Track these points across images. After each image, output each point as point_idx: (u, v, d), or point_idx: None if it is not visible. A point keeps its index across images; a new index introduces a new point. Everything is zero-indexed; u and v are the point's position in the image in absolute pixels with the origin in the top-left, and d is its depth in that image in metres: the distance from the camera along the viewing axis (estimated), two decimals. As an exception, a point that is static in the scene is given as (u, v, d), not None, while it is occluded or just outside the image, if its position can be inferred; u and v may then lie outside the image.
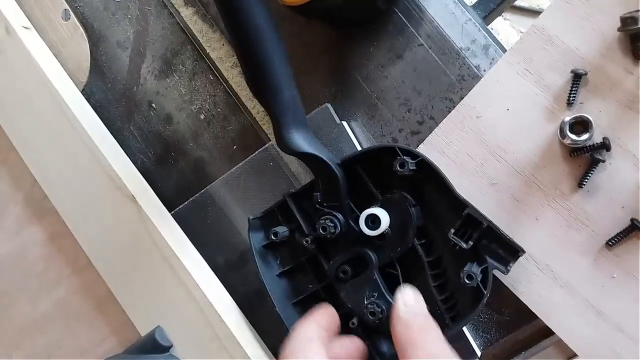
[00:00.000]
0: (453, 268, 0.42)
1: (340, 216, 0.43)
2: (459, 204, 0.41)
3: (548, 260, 0.42)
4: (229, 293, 0.51)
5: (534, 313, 0.43)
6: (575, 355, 0.45)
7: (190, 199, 0.54)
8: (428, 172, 0.42)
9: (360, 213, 0.43)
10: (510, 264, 0.40)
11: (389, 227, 0.43)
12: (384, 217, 0.42)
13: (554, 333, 0.43)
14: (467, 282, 0.39)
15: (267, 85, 0.40)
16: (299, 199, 0.46)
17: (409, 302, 0.39)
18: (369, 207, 0.43)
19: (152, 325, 0.50)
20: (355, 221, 0.44)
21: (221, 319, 0.47)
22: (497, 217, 0.43)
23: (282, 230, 0.46)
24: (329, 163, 0.42)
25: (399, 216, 0.43)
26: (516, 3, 1.33)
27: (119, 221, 0.51)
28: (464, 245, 0.40)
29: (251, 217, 0.47)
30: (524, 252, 0.40)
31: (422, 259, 0.43)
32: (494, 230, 0.40)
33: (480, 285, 0.40)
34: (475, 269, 0.40)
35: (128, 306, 0.52)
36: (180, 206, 0.54)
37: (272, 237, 0.46)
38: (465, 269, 0.40)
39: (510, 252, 0.40)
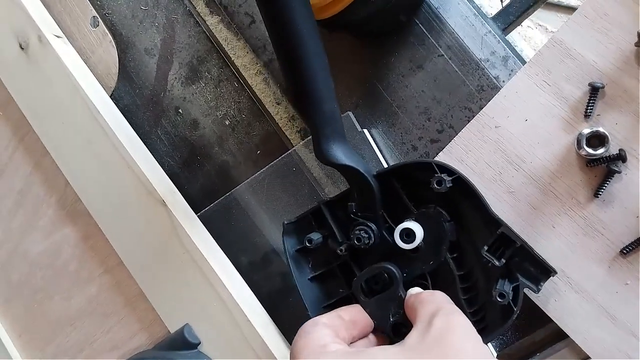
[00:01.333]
0: (483, 282, 0.43)
1: (374, 227, 0.45)
2: (493, 222, 0.42)
3: (564, 266, 0.44)
4: (253, 292, 0.53)
5: (549, 317, 0.44)
6: (588, 358, 0.47)
7: (216, 201, 0.57)
8: (463, 189, 0.42)
9: (394, 224, 0.44)
10: (542, 283, 0.41)
11: (423, 240, 0.43)
12: (419, 232, 0.43)
13: (567, 336, 0.45)
14: (499, 300, 0.40)
15: (309, 97, 0.42)
16: (333, 207, 0.48)
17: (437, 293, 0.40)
18: (403, 219, 0.44)
19: (181, 323, 0.52)
20: (388, 232, 0.45)
21: (247, 319, 0.49)
22: (514, 224, 0.45)
23: (317, 237, 0.47)
24: (366, 175, 0.43)
25: (433, 231, 0.44)
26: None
27: (149, 223, 0.53)
28: (497, 263, 0.41)
29: (286, 222, 0.48)
30: (555, 272, 0.40)
31: (453, 272, 0.44)
32: (526, 249, 0.41)
33: (511, 302, 0.41)
34: (507, 287, 0.41)
35: (157, 304, 0.54)
36: (206, 208, 0.57)
37: (307, 243, 0.47)
38: (497, 287, 0.41)
39: (542, 271, 0.41)
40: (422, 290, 0.42)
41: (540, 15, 1.38)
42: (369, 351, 0.36)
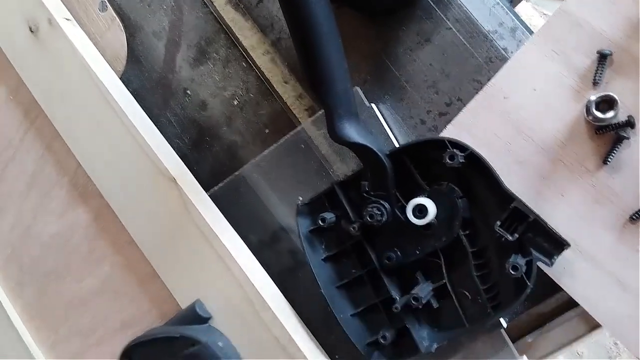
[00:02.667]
0: (496, 259, 0.44)
1: (387, 205, 0.45)
2: (506, 197, 0.42)
3: (573, 234, 0.44)
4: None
5: (558, 285, 0.45)
6: (598, 325, 0.47)
7: (224, 181, 0.57)
8: (476, 165, 0.43)
9: (407, 203, 0.45)
10: (555, 257, 0.41)
11: (435, 217, 0.44)
12: (431, 208, 0.43)
13: (578, 305, 0.45)
14: (512, 273, 0.41)
15: (323, 77, 0.42)
16: (346, 187, 0.48)
17: None
18: (416, 198, 0.44)
19: (193, 299, 0.53)
20: (401, 210, 0.45)
21: (258, 292, 0.50)
22: (523, 194, 0.45)
23: (330, 216, 0.48)
24: (379, 154, 0.44)
25: (445, 207, 0.44)
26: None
27: (160, 202, 0.53)
28: (510, 238, 0.41)
29: (299, 204, 0.49)
30: (569, 245, 0.41)
31: (466, 249, 0.44)
32: (540, 223, 0.41)
33: (524, 276, 0.41)
34: (521, 261, 0.41)
35: (169, 282, 0.55)
36: (215, 188, 0.57)
37: (320, 222, 0.47)
38: (510, 260, 0.41)
39: (556, 245, 0.41)
40: None
41: (545, 4, 1.38)
42: None
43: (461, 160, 0.42)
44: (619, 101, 0.40)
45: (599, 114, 0.41)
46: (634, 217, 0.42)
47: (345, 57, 0.43)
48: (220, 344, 0.49)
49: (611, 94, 0.40)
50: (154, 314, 0.57)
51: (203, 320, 0.51)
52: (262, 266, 0.54)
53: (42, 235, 0.62)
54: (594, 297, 0.44)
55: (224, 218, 0.54)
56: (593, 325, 0.48)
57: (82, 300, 0.61)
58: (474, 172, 0.44)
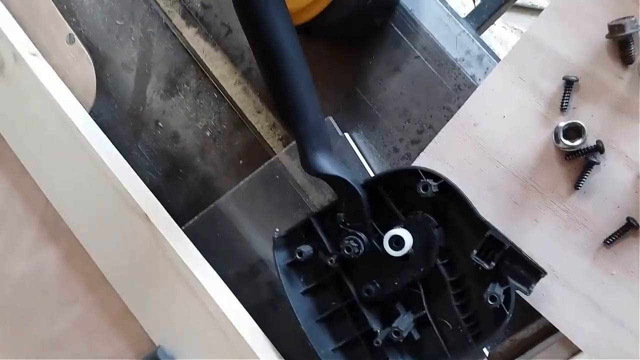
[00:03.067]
0: (475, 288, 0.43)
1: (363, 236, 0.45)
2: (481, 226, 0.42)
3: (549, 260, 0.44)
4: (241, 304, 0.53)
5: (538, 312, 0.45)
6: (579, 351, 0.47)
7: (200, 214, 0.56)
8: (450, 194, 0.43)
9: (383, 232, 0.44)
10: (532, 285, 0.41)
11: (412, 247, 0.43)
12: (408, 238, 0.43)
13: (557, 331, 0.45)
14: (490, 303, 0.40)
15: (294, 110, 0.42)
16: (322, 219, 0.47)
17: None
18: (392, 227, 0.44)
19: (168, 337, 0.51)
20: (378, 241, 0.45)
21: (235, 330, 0.49)
22: (497, 220, 0.45)
23: (307, 249, 0.47)
24: (353, 185, 0.43)
25: (422, 237, 0.44)
26: (519, 2, 1.35)
27: (133, 239, 0.52)
28: (487, 267, 0.41)
29: (276, 236, 0.48)
30: (545, 273, 0.41)
31: (445, 279, 0.44)
32: (515, 251, 0.41)
33: (503, 305, 0.41)
34: (498, 290, 0.41)
35: (144, 320, 0.53)
36: (190, 221, 0.56)
37: (297, 256, 0.47)
38: (488, 290, 0.41)
39: (533, 273, 0.41)
40: None
41: (515, 18, 1.41)
42: None
43: (434, 190, 0.42)
44: (586, 128, 0.40)
45: (567, 142, 0.41)
46: (608, 241, 0.42)
47: (315, 88, 0.43)
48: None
49: (578, 121, 0.41)
50: (130, 354, 0.55)
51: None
52: (240, 300, 0.53)
53: (12, 275, 0.61)
54: (572, 322, 0.44)
55: (199, 253, 0.53)
56: (574, 351, 0.48)
57: (55, 341, 0.59)
58: (448, 200, 0.44)
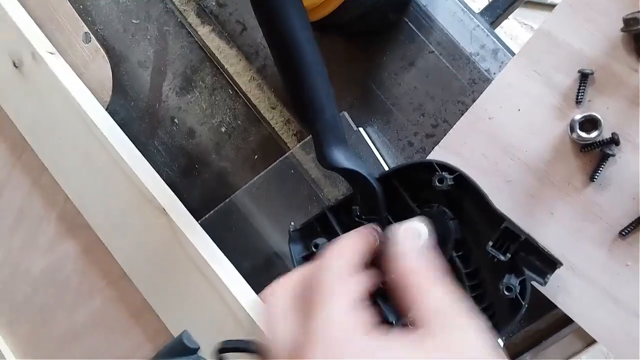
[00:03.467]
0: (490, 279, 0.44)
1: (379, 229, 0.45)
2: (497, 218, 0.42)
3: (565, 252, 0.44)
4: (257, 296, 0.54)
5: (553, 303, 0.45)
6: (594, 342, 0.47)
7: (215, 208, 0.57)
8: (465, 186, 0.43)
9: None
10: (548, 276, 0.41)
11: (427, 240, 0.44)
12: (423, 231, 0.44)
13: (573, 321, 0.45)
14: (506, 293, 0.40)
15: (309, 105, 0.42)
16: (337, 212, 0.48)
17: (423, 231, 0.35)
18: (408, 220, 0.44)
19: (187, 329, 0.52)
20: None
21: (253, 321, 0.49)
22: (512, 213, 0.45)
23: (322, 241, 0.47)
24: (368, 178, 0.44)
25: (437, 230, 0.44)
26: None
27: (151, 232, 0.53)
28: (502, 258, 0.41)
29: (291, 230, 0.49)
30: (561, 264, 0.41)
31: (460, 271, 0.44)
32: (531, 243, 0.41)
33: (518, 296, 0.41)
34: (514, 281, 0.41)
35: (162, 313, 0.54)
36: (206, 216, 0.57)
37: (313, 248, 0.47)
38: (504, 280, 0.41)
39: (548, 264, 0.41)
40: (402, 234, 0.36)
41: (526, 14, 1.41)
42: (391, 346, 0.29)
43: (450, 183, 0.43)
44: (602, 120, 0.41)
45: (583, 134, 0.41)
46: (623, 232, 0.42)
47: (330, 84, 0.44)
48: (211, 374, 0.49)
49: (594, 114, 0.41)
50: (148, 347, 0.56)
51: (191, 351, 0.50)
52: (256, 292, 0.54)
53: (32, 271, 0.62)
54: (587, 313, 0.44)
55: (215, 246, 0.53)
56: (589, 342, 0.48)
57: (74, 334, 0.60)
58: (464, 193, 0.44)
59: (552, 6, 1.33)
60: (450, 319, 0.30)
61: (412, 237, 0.35)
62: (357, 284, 0.32)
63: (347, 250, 0.34)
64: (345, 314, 0.30)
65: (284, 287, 0.34)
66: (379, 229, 0.41)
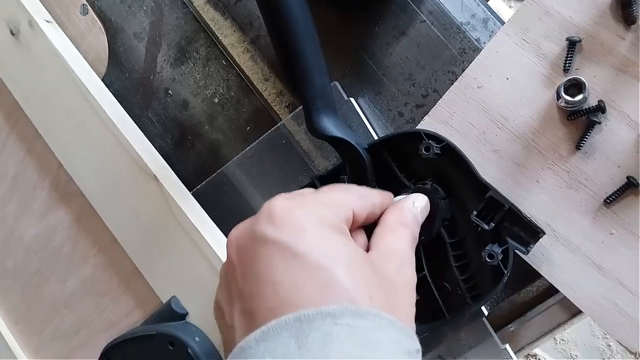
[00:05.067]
0: (474, 249, 0.44)
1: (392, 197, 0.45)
2: (482, 187, 0.42)
3: (549, 220, 0.44)
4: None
5: (537, 272, 0.45)
6: (579, 312, 0.47)
7: (207, 179, 0.57)
8: (452, 156, 0.43)
9: None
10: (531, 245, 0.42)
11: None
12: None
13: (557, 292, 0.46)
14: (488, 260, 0.41)
15: (301, 72, 0.43)
16: (326, 182, 0.48)
17: (417, 203, 0.40)
18: (397, 192, 0.44)
19: (177, 296, 0.53)
20: None
21: (241, 287, 0.50)
22: (500, 182, 0.46)
23: None
24: (357, 147, 0.44)
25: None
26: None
27: (142, 199, 0.53)
28: (486, 227, 0.42)
29: None
30: (544, 233, 0.41)
31: (445, 240, 0.45)
32: (515, 212, 0.42)
33: (501, 264, 0.41)
34: (497, 249, 0.42)
35: (152, 280, 0.55)
36: (197, 187, 0.57)
37: None
38: (486, 248, 0.42)
39: (531, 233, 0.42)
40: (417, 204, 0.41)
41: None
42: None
43: (436, 151, 0.43)
44: (587, 84, 0.41)
45: (568, 98, 0.41)
46: (608, 200, 0.42)
47: (322, 53, 0.44)
48: (197, 338, 0.49)
49: (579, 77, 0.41)
50: (138, 313, 0.57)
51: (179, 316, 0.51)
52: (245, 263, 0.54)
53: (24, 238, 0.62)
54: (572, 282, 0.44)
55: (205, 213, 0.54)
56: (574, 312, 0.48)
57: (65, 302, 0.61)
58: (451, 163, 0.44)
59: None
60: (394, 255, 0.35)
61: (416, 202, 0.41)
62: (357, 203, 0.36)
63: (366, 190, 0.39)
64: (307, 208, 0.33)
65: None
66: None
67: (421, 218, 0.40)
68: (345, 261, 0.31)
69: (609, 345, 1.40)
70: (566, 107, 0.42)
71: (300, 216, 0.32)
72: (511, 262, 0.42)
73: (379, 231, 0.37)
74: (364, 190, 0.39)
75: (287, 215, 0.32)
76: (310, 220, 0.32)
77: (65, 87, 0.58)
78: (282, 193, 0.36)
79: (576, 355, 1.41)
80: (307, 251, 0.30)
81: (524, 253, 0.42)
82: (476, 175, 0.43)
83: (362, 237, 0.37)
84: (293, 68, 0.44)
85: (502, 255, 0.42)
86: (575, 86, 0.41)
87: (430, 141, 0.43)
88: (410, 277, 0.35)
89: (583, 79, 0.41)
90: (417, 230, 0.39)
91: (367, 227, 0.38)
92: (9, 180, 0.63)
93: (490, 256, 0.42)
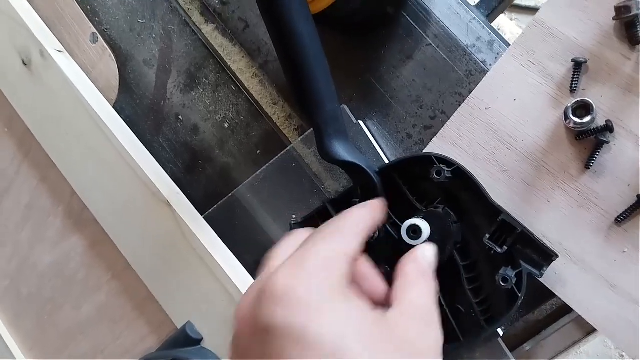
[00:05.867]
0: (488, 272, 0.44)
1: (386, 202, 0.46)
2: (494, 210, 0.42)
3: (561, 239, 0.45)
4: (260, 289, 0.54)
5: (552, 291, 0.45)
6: (593, 330, 0.47)
7: (218, 203, 0.58)
8: (463, 179, 0.43)
9: (397, 219, 0.45)
10: (544, 268, 0.42)
11: (429, 238, 0.44)
12: (426, 229, 0.43)
13: (572, 310, 0.46)
14: (503, 284, 0.41)
15: (311, 98, 0.43)
16: (338, 205, 0.48)
17: (428, 253, 0.39)
18: (407, 215, 0.44)
19: (191, 320, 0.53)
20: (392, 227, 0.45)
21: (255, 312, 0.50)
22: (510, 201, 0.46)
23: None
24: (368, 171, 0.44)
25: (439, 230, 0.44)
26: (522, 2, 1.36)
27: (155, 225, 0.54)
28: (499, 250, 0.42)
29: (292, 222, 0.49)
30: (557, 256, 0.41)
31: (458, 263, 0.44)
32: (527, 235, 0.42)
33: (515, 288, 0.41)
34: (510, 273, 0.41)
35: (167, 305, 0.55)
36: (209, 210, 0.58)
37: None
38: (500, 272, 0.41)
39: (544, 256, 0.42)
40: (428, 254, 0.40)
41: (523, 20, 1.42)
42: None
43: (448, 175, 0.43)
44: (594, 106, 0.41)
45: (577, 120, 0.42)
46: (619, 219, 0.43)
47: (331, 77, 0.45)
48: (214, 364, 0.49)
49: (587, 99, 0.42)
50: (153, 339, 0.57)
51: (194, 342, 0.51)
52: (258, 285, 0.54)
53: (39, 265, 0.63)
54: (585, 301, 0.44)
55: (218, 237, 0.54)
56: (588, 330, 0.48)
57: (80, 328, 0.61)
58: (462, 185, 0.44)
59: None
60: (419, 313, 0.33)
61: (427, 252, 0.40)
62: (353, 244, 0.35)
63: (356, 217, 0.37)
64: (329, 261, 0.32)
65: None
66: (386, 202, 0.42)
67: (435, 266, 0.40)
68: (363, 337, 0.29)
69: (622, 356, 1.39)
70: (574, 128, 0.43)
71: (304, 292, 0.30)
72: (525, 286, 0.42)
73: (399, 285, 0.36)
74: (356, 217, 0.37)
75: (290, 292, 0.30)
76: (315, 294, 0.30)
77: (77, 115, 0.59)
78: (277, 252, 0.36)
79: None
80: (318, 335, 0.28)
81: (537, 277, 0.42)
82: (488, 198, 0.43)
83: (370, 281, 0.37)
84: (304, 94, 0.44)
85: (515, 279, 0.42)
86: (583, 107, 0.42)
87: (441, 165, 0.43)
88: (435, 340, 0.33)
89: (590, 100, 0.41)
90: (435, 278, 0.38)
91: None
92: (23, 208, 0.63)
93: (504, 280, 0.41)
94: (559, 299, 0.45)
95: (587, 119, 0.41)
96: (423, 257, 0.39)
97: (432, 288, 0.36)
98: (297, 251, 0.33)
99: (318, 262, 0.31)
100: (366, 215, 0.38)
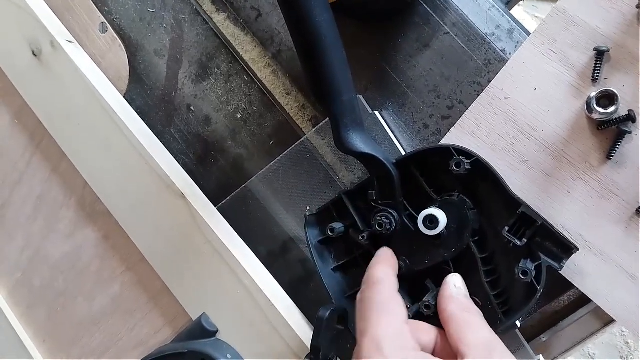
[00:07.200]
0: (505, 264, 0.44)
1: (395, 213, 0.45)
2: (513, 202, 0.42)
3: (581, 230, 0.44)
4: (274, 280, 0.54)
5: (570, 282, 0.45)
6: (612, 321, 0.47)
7: (231, 194, 0.57)
8: (482, 171, 0.43)
9: (414, 211, 0.45)
10: (564, 261, 0.41)
11: (446, 227, 0.44)
12: (442, 218, 0.43)
13: (590, 301, 0.45)
14: (522, 277, 0.41)
15: (328, 88, 0.43)
16: (353, 197, 0.48)
17: (458, 284, 0.41)
18: (424, 206, 0.44)
19: (206, 312, 0.53)
20: (409, 219, 0.45)
21: (271, 303, 0.50)
22: (529, 192, 0.46)
23: (339, 226, 0.48)
24: (385, 163, 0.44)
25: (456, 218, 0.44)
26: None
27: (170, 217, 0.54)
28: (518, 243, 0.41)
29: (307, 214, 0.49)
30: (577, 249, 0.41)
31: (476, 256, 0.44)
32: (548, 228, 0.41)
33: (534, 280, 0.41)
34: (530, 265, 0.41)
35: (181, 296, 0.55)
36: (223, 202, 0.57)
37: (329, 232, 0.48)
38: (520, 265, 0.41)
39: (564, 249, 0.41)
40: (458, 285, 0.42)
41: (538, 9, 1.40)
42: None
43: (467, 167, 0.43)
44: (619, 96, 0.41)
45: (600, 110, 0.41)
46: (640, 210, 0.42)
47: (348, 67, 0.44)
48: (228, 355, 0.49)
49: (611, 89, 0.41)
50: (168, 331, 0.57)
51: (210, 333, 0.51)
52: (273, 277, 0.54)
53: (52, 257, 0.63)
54: (605, 292, 0.44)
55: (233, 230, 0.54)
56: (606, 321, 0.48)
57: (93, 320, 0.61)
58: (481, 177, 0.44)
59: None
60: (488, 350, 0.36)
61: (457, 283, 0.43)
62: (400, 301, 0.40)
63: (389, 271, 0.42)
64: (399, 326, 0.37)
65: None
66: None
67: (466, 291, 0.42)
68: None
69: (627, 343, 1.39)
70: (598, 119, 0.42)
71: None
72: (544, 279, 0.41)
73: (454, 332, 0.38)
74: (384, 294, 0.41)
75: None
76: None
77: (88, 105, 0.58)
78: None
79: (594, 354, 1.40)
80: None
81: (557, 269, 0.42)
82: (507, 190, 0.43)
83: (426, 334, 0.40)
84: (321, 84, 0.44)
85: (535, 272, 0.41)
86: (607, 97, 0.41)
87: (460, 157, 0.43)
88: (510, 356, 0.36)
89: (615, 90, 0.41)
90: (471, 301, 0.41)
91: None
92: (35, 199, 0.63)
93: (524, 273, 0.41)
94: (577, 290, 0.45)
95: (611, 109, 0.40)
96: (458, 292, 0.41)
97: (480, 315, 0.39)
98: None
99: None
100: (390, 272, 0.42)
